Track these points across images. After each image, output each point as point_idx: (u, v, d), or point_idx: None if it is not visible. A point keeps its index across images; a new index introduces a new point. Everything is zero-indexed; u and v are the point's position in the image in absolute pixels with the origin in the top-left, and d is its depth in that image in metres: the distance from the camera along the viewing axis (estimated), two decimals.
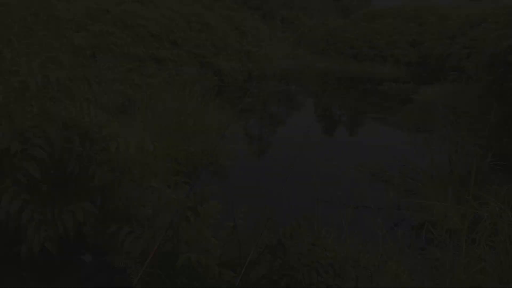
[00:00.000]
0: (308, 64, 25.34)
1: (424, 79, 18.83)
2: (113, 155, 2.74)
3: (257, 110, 11.52)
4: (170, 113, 6.68)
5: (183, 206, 1.95)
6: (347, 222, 3.85)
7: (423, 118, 9.81)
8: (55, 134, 2.08)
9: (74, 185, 2.36)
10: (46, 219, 1.90)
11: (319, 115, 10.98)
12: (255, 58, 17.58)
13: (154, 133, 6.37)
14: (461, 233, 3.68)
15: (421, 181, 5.31)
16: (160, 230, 2.27)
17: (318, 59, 25.52)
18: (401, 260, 3.62)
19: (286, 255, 2.00)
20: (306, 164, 6.47)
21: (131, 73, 11.06)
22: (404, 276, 2.02)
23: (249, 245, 2.23)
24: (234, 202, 1.77)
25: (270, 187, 5.55)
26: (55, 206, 2.08)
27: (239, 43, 17.27)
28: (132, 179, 3.04)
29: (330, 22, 28.11)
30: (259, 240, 2.01)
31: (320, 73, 21.51)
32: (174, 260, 2.16)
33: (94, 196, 2.28)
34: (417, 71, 20.59)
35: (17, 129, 2.06)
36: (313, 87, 16.59)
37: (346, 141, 8.73)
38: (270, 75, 18.67)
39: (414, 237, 4.19)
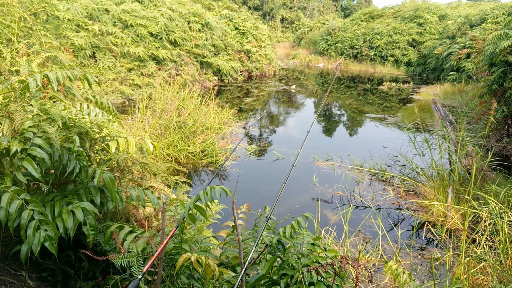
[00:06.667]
0: (308, 64, 25.38)
1: (424, 79, 18.87)
2: (113, 155, 2.75)
3: (257, 110, 11.51)
4: (170, 113, 6.68)
5: (184, 206, 1.96)
6: (347, 222, 3.86)
7: (423, 118, 9.82)
8: (55, 134, 2.08)
9: (74, 185, 2.36)
10: (46, 219, 1.89)
11: (319, 115, 10.98)
12: (255, 58, 17.59)
13: (154, 133, 6.38)
14: (462, 233, 3.68)
15: (421, 181, 5.32)
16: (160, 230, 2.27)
17: (318, 59, 25.56)
18: (401, 260, 3.62)
19: (286, 255, 2.00)
20: (306, 164, 6.47)
21: (131, 73, 11.09)
22: (404, 276, 2.02)
23: (249, 245, 2.23)
24: (234, 201, 1.77)
25: (270, 186, 5.56)
26: (55, 206, 2.08)
27: (239, 43, 17.29)
28: (132, 179, 3.04)
29: (330, 22, 28.09)
30: (259, 240, 2.01)
31: (320, 73, 21.52)
32: (174, 260, 2.16)
33: (94, 196, 2.28)
34: (417, 71, 20.63)
35: (17, 129, 2.06)
36: (313, 87, 16.60)
37: (346, 141, 8.74)
38: (270, 75, 18.68)
39: (414, 237, 4.19)
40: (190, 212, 1.87)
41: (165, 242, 1.60)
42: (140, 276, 1.44)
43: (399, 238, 3.97)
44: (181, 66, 12.80)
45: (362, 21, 25.70)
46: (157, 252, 1.54)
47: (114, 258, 1.84)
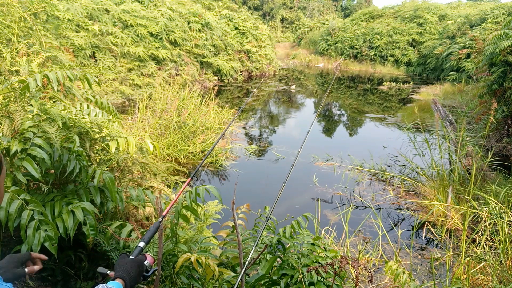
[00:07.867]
0: (308, 64, 25.38)
1: (424, 79, 18.86)
2: (113, 155, 2.75)
3: (257, 110, 11.51)
4: (170, 113, 6.68)
5: (182, 206, 1.96)
6: (347, 222, 3.86)
7: (423, 118, 9.81)
8: (55, 134, 2.08)
9: (74, 185, 2.36)
10: (46, 219, 1.89)
11: (319, 115, 10.98)
12: (255, 58, 17.59)
13: (154, 133, 6.38)
14: (462, 233, 3.68)
15: (421, 181, 5.32)
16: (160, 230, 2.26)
17: (318, 59, 25.56)
18: (401, 260, 3.62)
19: (286, 255, 2.00)
20: (306, 164, 6.47)
21: (131, 73, 11.09)
22: (404, 276, 2.02)
23: (249, 245, 2.23)
24: (234, 201, 1.77)
25: (270, 186, 5.55)
26: (55, 206, 2.08)
27: (239, 43, 17.28)
28: (132, 179, 3.04)
29: (330, 22, 28.09)
30: (259, 240, 2.01)
31: (320, 73, 21.52)
32: (174, 260, 2.16)
33: (94, 196, 2.28)
34: (417, 71, 20.63)
35: (17, 129, 2.06)
36: (313, 87, 16.60)
37: (346, 141, 8.74)
38: (270, 75, 18.67)
39: (414, 237, 4.19)
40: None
41: (176, 197, 1.61)
42: (160, 219, 1.47)
43: (399, 238, 3.97)
44: (181, 66, 12.80)
45: (362, 21, 25.70)
46: (173, 201, 1.56)
47: (130, 241, 1.86)
